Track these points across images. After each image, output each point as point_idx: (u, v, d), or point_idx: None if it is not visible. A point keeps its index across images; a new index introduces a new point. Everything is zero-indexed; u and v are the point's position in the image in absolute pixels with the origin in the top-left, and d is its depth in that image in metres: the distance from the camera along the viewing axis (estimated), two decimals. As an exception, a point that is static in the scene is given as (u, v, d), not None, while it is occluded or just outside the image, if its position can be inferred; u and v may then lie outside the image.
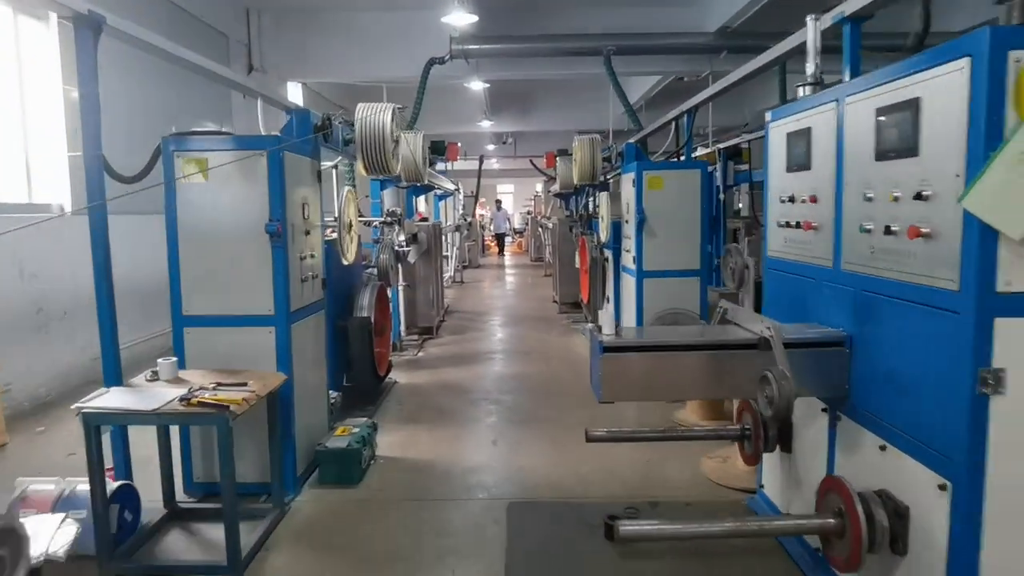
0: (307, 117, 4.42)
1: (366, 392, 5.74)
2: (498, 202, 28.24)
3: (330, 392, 5.04)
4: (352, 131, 4.96)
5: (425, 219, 11.46)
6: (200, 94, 8.79)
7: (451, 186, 14.69)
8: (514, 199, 43.70)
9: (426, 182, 6.86)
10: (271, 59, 11.52)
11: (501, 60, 11.36)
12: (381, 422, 5.30)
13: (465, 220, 18.09)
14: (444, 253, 15.29)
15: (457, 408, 5.73)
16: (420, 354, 7.85)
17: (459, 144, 11.08)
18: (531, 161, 26.25)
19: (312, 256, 4.35)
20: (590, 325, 8.24)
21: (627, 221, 6.60)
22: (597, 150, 7.19)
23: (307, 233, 4.25)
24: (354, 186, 8.17)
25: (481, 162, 24.78)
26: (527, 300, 12.59)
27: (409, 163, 6.60)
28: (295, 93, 12.80)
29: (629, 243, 6.53)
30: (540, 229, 20.26)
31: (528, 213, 30.26)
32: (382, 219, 7.38)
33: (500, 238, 26.96)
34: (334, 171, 7.64)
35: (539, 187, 31.52)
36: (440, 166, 14.75)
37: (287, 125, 4.47)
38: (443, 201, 15.45)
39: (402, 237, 7.51)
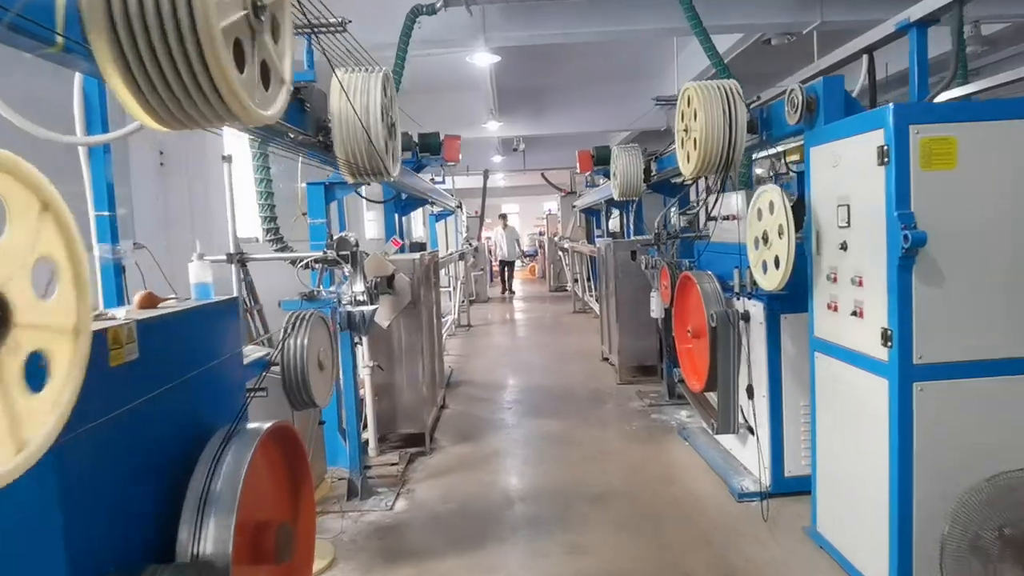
0: None
1: None
2: (503, 218, 20.39)
3: None
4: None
5: (422, 245, 7.85)
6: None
7: (452, 202, 11.14)
8: (520, 219, 40.18)
9: (392, 177, 3.27)
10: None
11: (519, 12, 7.90)
12: None
13: (471, 245, 14.50)
14: (444, 286, 11.72)
15: None
16: (398, 505, 4.16)
17: (460, 139, 7.55)
18: (543, 175, 23.08)
19: None
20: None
21: (842, 246, 2.98)
22: (738, 107, 3.59)
23: None
24: (267, 175, 4.63)
25: (486, 176, 21.49)
26: (563, 357, 8.92)
27: (353, 131, 2.98)
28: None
29: (859, 296, 2.89)
30: (561, 253, 16.70)
31: (540, 234, 26.69)
32: (323, 255, 3.81)
33: (506, 268, 18.74)
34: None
35: (549, 205, 28.05)
36: (443, 179, 11.23)
37: None
38: (441, 222, 11.90)
39: (360, 287, 3.91)
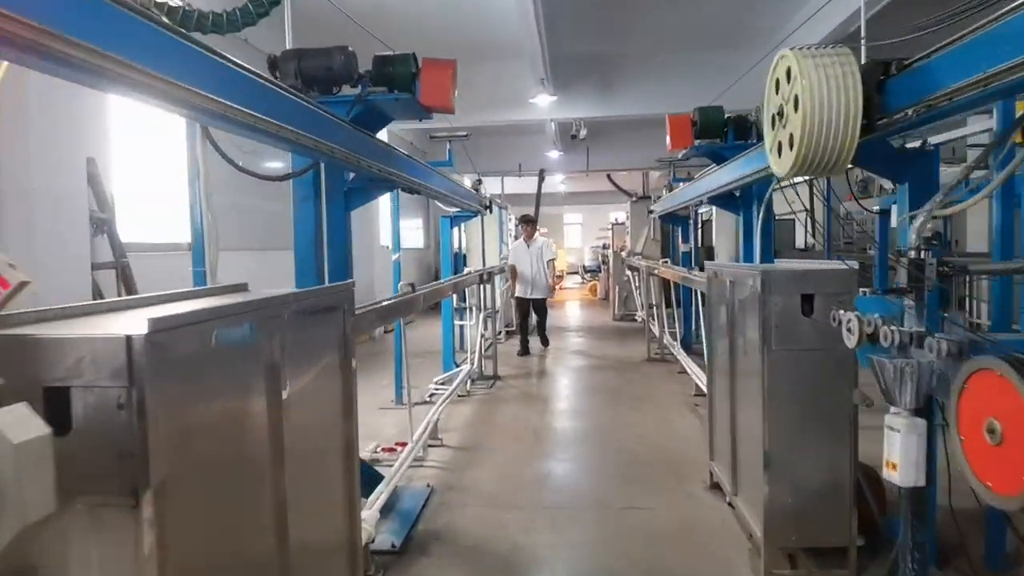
0: None
1: None
2: (530, 224, 10.37)
3: None
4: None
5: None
6: None
7: (471, 198, 7.55)
8: (583, 231, 36.40)
9: None
10: None
11: None
12: None
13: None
14: (461, 321, 8.18)
15: None
16: None
17: (454, 68, 3.99)
18: (609, 176, 19.29)
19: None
20: None
21: None
22: None
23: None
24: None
25: (541, 178, 17.90)
26: (634, 471, 5.18)
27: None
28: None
29: None
30: (630, 273, 12.91)
31: (604, 247, 22.84)
32: None
33: (530, 309, 10.25)
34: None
35: (617, 215, 24.05)
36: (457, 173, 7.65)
37: None
38: (459, 227, 8.35)
39: None
